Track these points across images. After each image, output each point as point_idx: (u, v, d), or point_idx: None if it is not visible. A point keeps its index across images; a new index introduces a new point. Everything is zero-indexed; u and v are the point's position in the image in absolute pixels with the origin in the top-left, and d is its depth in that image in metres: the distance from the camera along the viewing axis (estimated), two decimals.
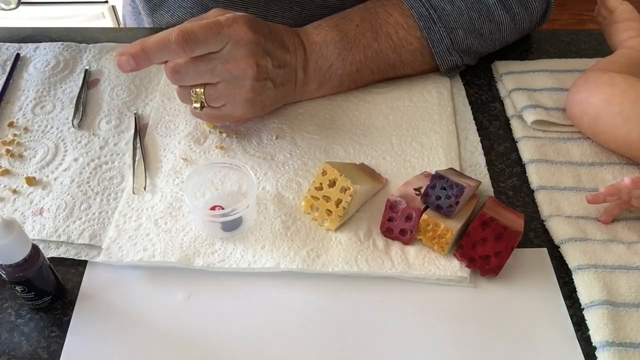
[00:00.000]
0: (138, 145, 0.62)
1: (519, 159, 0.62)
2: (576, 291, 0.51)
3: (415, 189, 0.54)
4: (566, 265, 0.52)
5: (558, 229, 0.54)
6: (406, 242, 0.53)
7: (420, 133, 0.63)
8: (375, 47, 0.63)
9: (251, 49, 0.54)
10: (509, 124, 0.66)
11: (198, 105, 0.57)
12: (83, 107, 0.66)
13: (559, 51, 0.75)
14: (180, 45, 0.51)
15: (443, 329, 0.49)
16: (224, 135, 0.63)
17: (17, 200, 0.58)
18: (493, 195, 0.58)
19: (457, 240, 0.52)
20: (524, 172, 0.61)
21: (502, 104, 0.68)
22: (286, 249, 0.53)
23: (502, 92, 0.69)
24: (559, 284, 0.52)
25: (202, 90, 0.56)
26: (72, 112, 0.66)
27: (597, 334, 0.47)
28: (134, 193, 0.58)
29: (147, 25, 0.80)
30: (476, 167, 0.61)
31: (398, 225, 0.53)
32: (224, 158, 0.61)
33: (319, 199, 0.54)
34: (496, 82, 0.71)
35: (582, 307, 0.50)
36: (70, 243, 0.54)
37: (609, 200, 0.54)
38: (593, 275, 0.50)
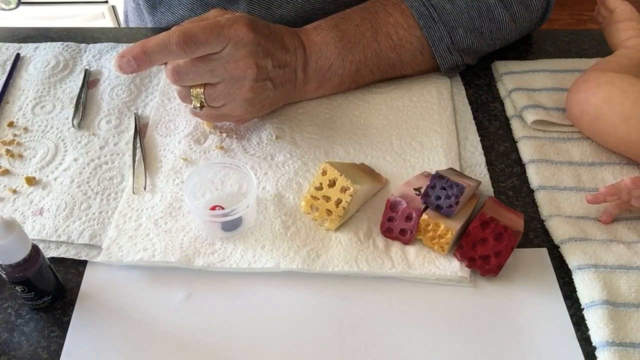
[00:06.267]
0: (138, 145, 0.62)
1: (519, 159, 0.62)
2: (576, 291, 0.51)
3: (415, 189, 0.54)
4: (566, 265, 0.53)
5: (558, 229, 0.54)
6: (406, 242, 0.53)
7: (420, 133, 0.63)
8: (375, 46, 0.64)
9: (251, 49, 0.54)
10: (509, 124, 0.66)
11: (198, 105, 0.57)
12: (83, 107, 0.66)
13: (559, 51, 0.75)
14: (181, 47, 0.51)
15: (443, 329, 0.49)
16: (224, 135, 0.63)
17: (17, 200, 0.58)
18: (493, 195, 0.58)
19: (457, 240, 0.52)
20: (524, 172, 0.61)
21: (502, 104, 0.68)
22: (286, 249, 0.53)
23: (502, 92, 0.69)
24: (559, 284, 0.52)
25: (201, 90, 0.56)
26: (72, 112, 0.66)
27: (597, 334, 0.47)
28: (134, 193, 0.58)
29: (148, 23, 0.80)
30: (476, 167, 0.61)
31: (398, 225, 0.53)
32: (224, 158, 0.61)
33: (319, 199, 0.54)
34: (496, 82, 0.71)
35: (582, 307, 0.50)
36: (70, 243, 0.54)
37: (609, 200, 0.54)
38: (593, 275, 0.50)
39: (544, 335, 0.49)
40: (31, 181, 0.59)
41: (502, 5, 0.65)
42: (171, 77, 0.55)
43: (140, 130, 0.64)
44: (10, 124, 0.65)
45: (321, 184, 0.53)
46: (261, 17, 0.71)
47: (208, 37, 0.52)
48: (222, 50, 0.54)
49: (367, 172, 0.58)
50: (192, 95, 0.56)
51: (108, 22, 1.61)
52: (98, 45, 0.74)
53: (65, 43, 0.74)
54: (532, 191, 0.59)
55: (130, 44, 0.53)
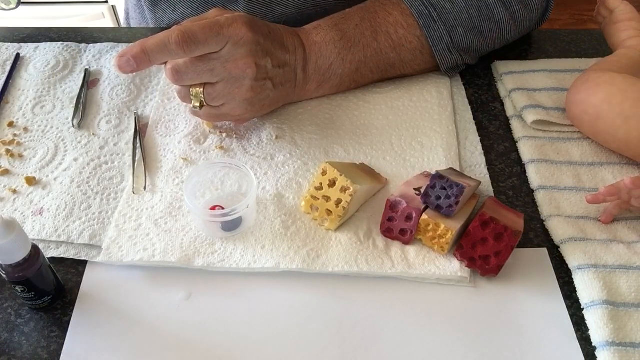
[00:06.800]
0: (138, 145, 0.62)
1: (519, 159, 0.62)
2: (576, 291, 0.51)
3: (415, 189, 0.54)
4: (566, 265, 0.52)
5: (558, 229, 0.54)
6: (406, 242, 0.53)
7: (420, 133, 0.63)
8: (374, 46, 0.64)
9: (250, 49, 0.55)
10: (509, 124, 0.66)
11: (197, 104, 0.57)
12: (83, 107, 0.66)
13: (559, 51, 0.75)
14: (180, 46, 0.51)
15: (443, 329, 0.49)
16: (224, 135, 0.63)
17: (17, 200, 0.58)
18: (493, 195, 0.58)
19: (457, 240, 0.52)
20: (524, 172, 0.61)
21: (502, 104, 0.68)
22: (286, 249, 0.53)
23: (502, 92, 0.69)
24: (559, 284, 0.52)
25: (201, 89, 0.56)
26: (72, 112, 0.66)
27: (597, 334, 0.47)
28: (134, 193, 0.58)
29: (149, 20, 0.80)
30: (476, 167, 0.61)
31: (398, 225, 0.53)
32: (224, 158, 0.61)
33: (319, 199, 0.53)
34: (496, 82, 0.71)
35: (582, 307, 0.50)
36: (70, 243, 0.54)
37: (609, 200, 0.54)
38: (593, 275, 0.50)
39: (544, 335, 0.49)
40: (31, 181, 0.59)
41: (502, 4, 0.65)
42: (171, 76, 0.55)
43: (140, 130, 0.64)
44: (10, 124, 0.65)
45: (321, 184, 0.53)
46: (262, 15, 0.71)
47: (207, 36, 0.52)
48: (221, 49, 0.54)
49: (367, 172, 0.58)
50: (192, 95, 0.56)
51: (108, 22, 1.61)
52: (98, 45, 0.74)
53: (65, 43, 0.74)
54: (532, 191, 0.59)
55: (130, 44, 0.53)
